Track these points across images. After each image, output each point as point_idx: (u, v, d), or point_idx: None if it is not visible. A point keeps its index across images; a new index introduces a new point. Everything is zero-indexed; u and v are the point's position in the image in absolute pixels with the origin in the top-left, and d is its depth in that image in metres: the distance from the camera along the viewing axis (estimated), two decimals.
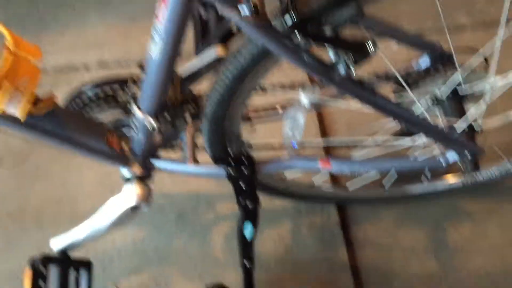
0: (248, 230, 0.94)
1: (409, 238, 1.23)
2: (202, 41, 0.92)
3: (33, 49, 0.68)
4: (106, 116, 0.96)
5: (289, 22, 0.57)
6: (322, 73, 0.64)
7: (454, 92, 0.91)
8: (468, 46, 0.90)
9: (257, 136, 1.32)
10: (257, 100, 1.00)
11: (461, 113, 0.91)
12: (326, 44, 0.60)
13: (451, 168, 0.96)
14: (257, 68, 0.72)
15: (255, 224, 0.94)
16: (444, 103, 0.92)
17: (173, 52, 0.67)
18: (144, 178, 0.95)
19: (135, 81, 0.89)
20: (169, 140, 0.97)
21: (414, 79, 0.94)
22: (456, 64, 0.88)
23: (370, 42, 0.63)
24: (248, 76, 0.73)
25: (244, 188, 0.97)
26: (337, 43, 0.61)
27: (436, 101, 0.93)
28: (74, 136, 0.85)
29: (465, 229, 1.24)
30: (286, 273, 1.20)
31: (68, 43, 1.70)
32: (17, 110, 0.69)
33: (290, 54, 0.61)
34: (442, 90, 0.92)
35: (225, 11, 0.58)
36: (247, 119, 0.97)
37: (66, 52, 1.67)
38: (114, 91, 0.92)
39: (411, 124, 0.77)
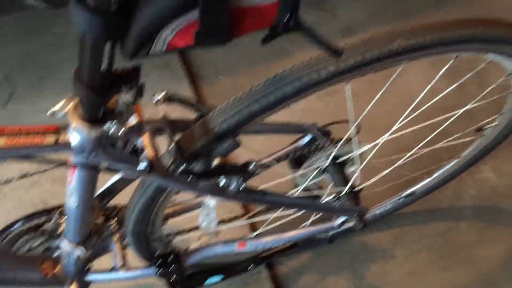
0: None
1: (332, 283, 1.38)
2: None
3: None
4: (36, 243, 1.04)
5: (181, 169, 0.70)
6: (218, 194, 0.78)
7: (335, 162, 1.08)
8: (341, 119, 1.07)
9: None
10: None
11: (344, 178, 1.08)
12: (215, 176, 0.74)
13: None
14: (163, 194, 0.84)
15: None
16: (330, 173, 1.09)
17: (88, 200, 0.77)
18: None
19: (60, 211, 0.98)
20: (100, 253, 1.06)
21: (303, 157, 1.09)
22: (327, 139, 1.05)
23: (252, 163, 0.77)
24: (157, 200, 0.85)
25: (176, 280, 1.08)
26: (225, 171, 0.75)
27: (322, 172, 1.10)
28: (7, 274, 0.92)
29: (377, 264, 1.40)
30: None
31: None
32: None
33: (186, 188, 0.74)
34: (325, 162, 1.08)
35: (124, 170, 0.70)
36: (167, 218, 1.09)
37: None
38: (41, 222, 1.00)
39: (302, 208, 0.92)
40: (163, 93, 0.73)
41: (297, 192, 1.11)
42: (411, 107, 0.95)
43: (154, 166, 0.69)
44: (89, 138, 0.63)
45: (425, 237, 1.44)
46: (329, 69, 0.69)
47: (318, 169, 1.10)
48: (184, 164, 0.69)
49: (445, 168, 1.28)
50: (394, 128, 0.98)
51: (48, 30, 1.76)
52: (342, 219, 1.03)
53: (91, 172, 0.71)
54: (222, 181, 0.75)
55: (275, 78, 0.71)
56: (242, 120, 0.72)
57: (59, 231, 0.99)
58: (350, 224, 1.07)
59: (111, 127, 0.63)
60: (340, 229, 1.06)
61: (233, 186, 0.78)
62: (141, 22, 0.48)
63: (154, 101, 0.75)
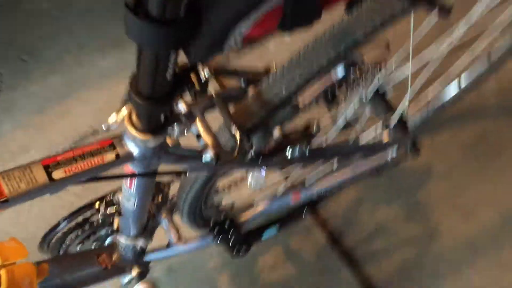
0: None
1: (382, 209, 1.36)
2: None
3: (17, 250, 0.70)
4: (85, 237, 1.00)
5: (251, 155, 0.63)
6: (286, 165, 0.72)
7: (376, 91, 1.01)
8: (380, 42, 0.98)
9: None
10: None
11: (388, 108, 1.01)
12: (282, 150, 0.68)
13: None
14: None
15: None
16: (372, 104, 1.02)
17: (147, 200, 0.72)
18: (142, 274, 1.01)
19: (105, 202, 0.91)
20: (152, 232, 1.03)
21: (340, 90, 1.02)
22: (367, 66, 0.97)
23: (314, 124, 0.71)
24: (214, 179, 0.80)
25: (234, 242, 1.05)
26: (290, 142, 0.69)
27: (364, 104, 1.03)
28: (70, 278, 0.89)
29: (419, 180, 1.38)
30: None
31: None
32: None
33: (254, 169, 0.68)
34: (365, 92, 1.01)
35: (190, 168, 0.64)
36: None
37: None
38: (87, 216, 0.95)
39: (360, 152, 0.87)
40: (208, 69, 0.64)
41: (336, 129, 1.05)
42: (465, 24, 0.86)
43: (219, 155, 0.63)
44: (151, 147, 0.56)
45: (462, 146, 1.41)
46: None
47: (359, 101, 1.03)
48: (253, 150, 0.62)
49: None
50: (447, 43, 0.89)
51: (18, 7, 1.59)
52: (394, 151, 0.99)
53: (152, 177, 0.64)
54: (289, 152, 0.70)
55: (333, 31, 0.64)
56: (301, 85, 0.65)
57: (109, 221, 0.95)
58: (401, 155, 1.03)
59: (173, 131, 0.56)
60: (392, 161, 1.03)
61: (298, 152, 0.73)
62: (214, 23, 0.39)
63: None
